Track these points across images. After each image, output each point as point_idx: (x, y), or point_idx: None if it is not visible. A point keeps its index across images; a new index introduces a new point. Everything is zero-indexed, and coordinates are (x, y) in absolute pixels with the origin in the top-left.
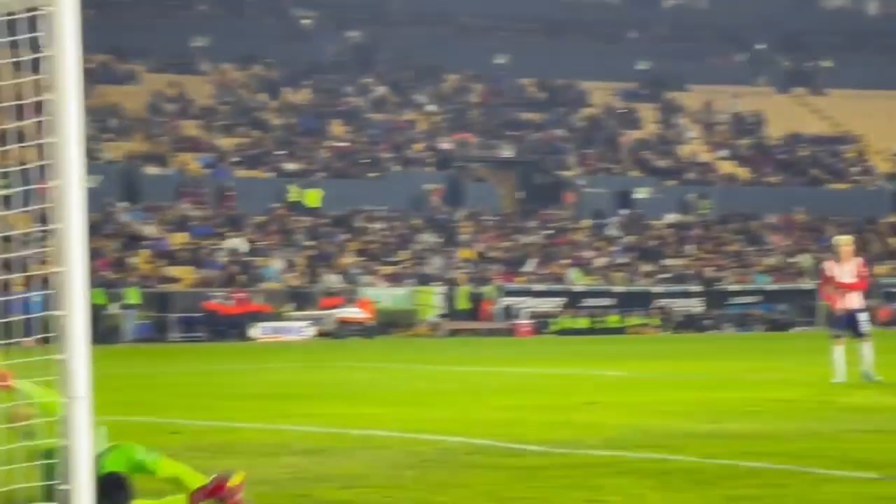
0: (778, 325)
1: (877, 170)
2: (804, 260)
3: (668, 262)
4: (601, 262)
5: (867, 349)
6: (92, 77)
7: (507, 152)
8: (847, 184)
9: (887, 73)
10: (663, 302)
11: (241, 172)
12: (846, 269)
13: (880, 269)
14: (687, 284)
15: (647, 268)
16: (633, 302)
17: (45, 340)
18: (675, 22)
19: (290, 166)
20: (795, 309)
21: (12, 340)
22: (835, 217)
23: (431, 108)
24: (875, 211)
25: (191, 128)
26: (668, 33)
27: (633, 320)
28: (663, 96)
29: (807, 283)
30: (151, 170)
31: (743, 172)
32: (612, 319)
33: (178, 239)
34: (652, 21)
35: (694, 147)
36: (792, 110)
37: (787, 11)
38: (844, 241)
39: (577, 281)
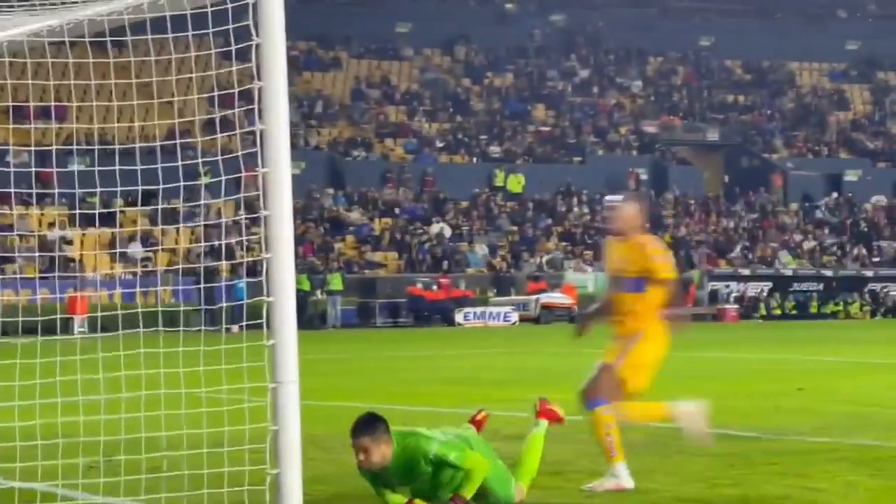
0: None
1: None
2: None
3: (880, 245)
4: (809, 245)
5: None
6: (296, 64)
7: (712, 135)
8: None
9: None
10: (874, 286)
11: (445, 158)
12: None
13: None
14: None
15: (857, 251)
16: (843, 286)
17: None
18: (885, 1)
19: (494, 151)
20: None
21: (219, 327)
22: None
23: (635, 91)
24: None
25: (394, 113)
26: (879, 12)
27: (843, 305)
28: (873, 76)
29: None
30: (356, 156)
31: None
32: (821, 304)
33: (383, 224)
34: (861, 1)
35: None
36: None
37: None
38: None
39: (786, 265)
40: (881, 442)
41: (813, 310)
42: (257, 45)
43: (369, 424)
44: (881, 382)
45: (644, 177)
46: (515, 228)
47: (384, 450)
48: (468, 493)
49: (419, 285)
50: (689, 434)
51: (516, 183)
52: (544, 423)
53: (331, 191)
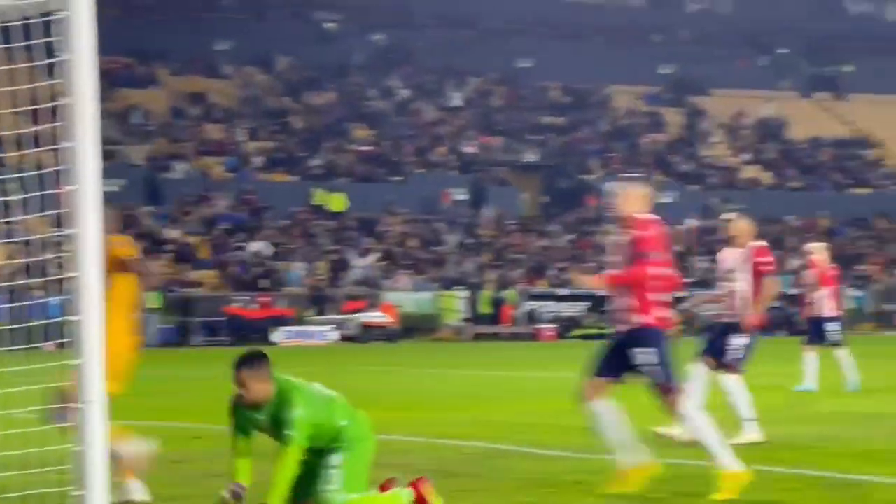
0: (796, 331)
1: None
2: None
3: (692, 266)
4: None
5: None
6: (114, 80)
7: (530, 156)
8: (868, 188)
9: None
10: (686, 306)
11: (265, 176)
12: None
13: None
14: (711, 289)
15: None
16: None
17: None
18: (698, 26)
19: (314, 169)
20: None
21: (32, 345)
22: (857, 221)
23: (455, 111)
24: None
25: (214, 131)
26: (692, 37)
27: None
28: (687, 100)
29: None
30: (174, 173)
31: (766, 177)
32: None
33: (201, 243)
34: (675, 25)
35: (717, 151)
36: (814, 115)
37: (809, 16)
38: (816, 248)
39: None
40: (684, 460)
41: None
42: (65, 61)
43: (251, 359)
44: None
45: (463, 197)
46: (335, 247)
47: (263, 387)
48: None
49: (238, 304)
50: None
51: (337, 201)
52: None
53: (149, 208)
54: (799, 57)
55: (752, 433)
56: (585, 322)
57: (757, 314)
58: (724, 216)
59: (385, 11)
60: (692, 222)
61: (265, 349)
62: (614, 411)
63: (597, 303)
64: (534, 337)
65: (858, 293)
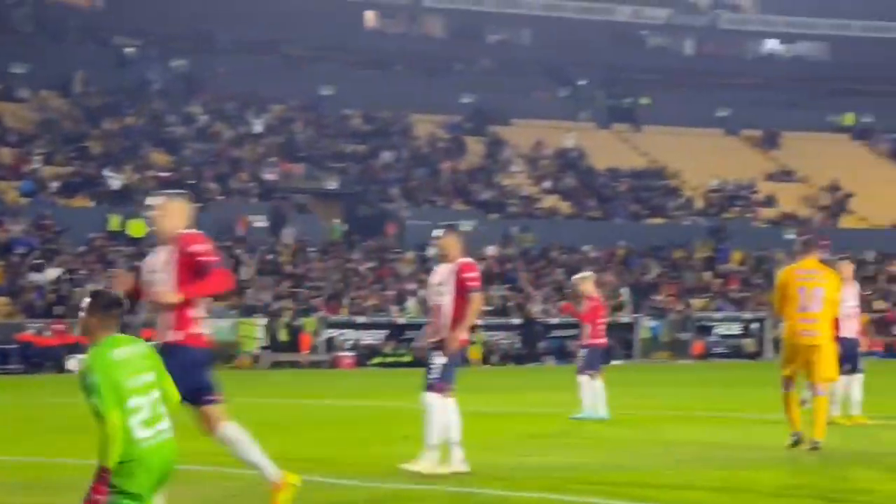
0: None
1: (692, 205)
2: (624, 293)
3: (491, 294)
4: (423, 294)
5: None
6: None
7: (331, 183)
8: (664, 218)
9: (702, 110)
10: (485, 335)
11: (61, 200)
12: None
13: (696, 302)
14: (509, 317)
15: None
16: None
17: None
18: (499, 57)
19: (112, 195)
20: (614, 341)
21: None
22: (654, 251)
23: (256, 138)
24: (690, 245)
25: (8, 155)
26: (493, 68)
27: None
28: (487, 130)
29: (626, 316)
30: None
31: (565, 206)
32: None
33: None
34: (476, 55)
35: (517, 180)
36: (612, 145)
37: (608, 49)
38: (590, 276)
39: (401, 313)
40: (475, 489)
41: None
42: None
43: (96, 303)
44: (481, 429)
45: (263, 224)
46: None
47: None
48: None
49: (31, 331)
50: None
51: (136, 227)
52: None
53: None
54: (598, 88)
55: (457, 461)
56: (384, 350)
57: (459, 333)
58: (435, 234)
59: (185, 37)
60: (492, 250)
61: (59, 378)
62: (241, 431)
63: (396, 331)
64: (333, 365)
65: (654, 323)
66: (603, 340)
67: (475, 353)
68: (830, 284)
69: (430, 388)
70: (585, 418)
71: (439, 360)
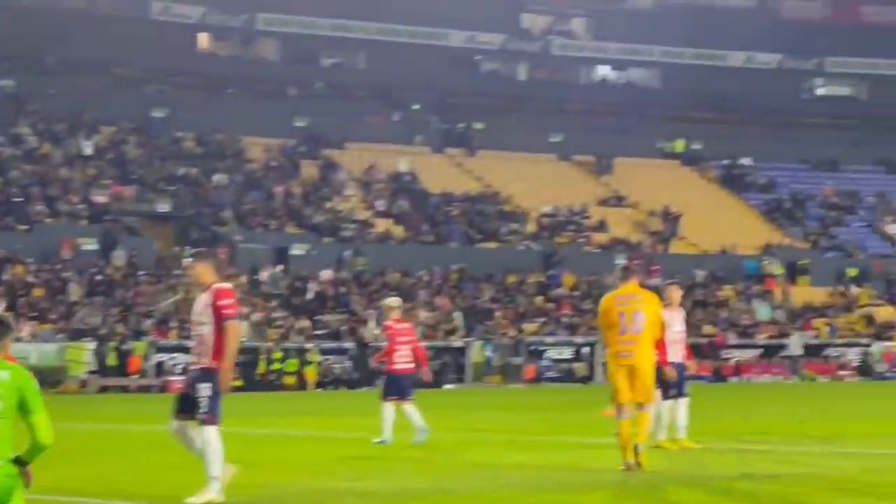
0: (426, 383)
1: (525, 230)
2: (457, 317)
3: (324, 318)
4: (257, 317)
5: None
6: None
7: (163, 206)
8: (497, 243)
9: (535, 135)
10: (320, 358)
11: None
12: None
13: (528, 326)
14: (342, 341)
15: (301, 325)
16: (289, 357)
17: None
18: (333, 80)
19: None
20: (446, 365)
21: None
22: (487, 275)
23: (86, 160)
24: (523, 270)
25: None
26: (327, 91)
27: (291, 379)
28: (321, 153)
29: (458, 341)
30: None
31: (399, 230)
32: (263, 374)
33: None
34: (310, 79)
35: (351, 204)
36: (446, 170)
37: (442, 74)
38: (394, 303)
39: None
40: None
41: (257, 380)
42: None
43: None
44: (306, 455)
45: (93, 246)
46: None
47: None
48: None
49: None
50: None
51: None
52: None
53: None
54: (432, 113)
55: (212, 493)
56: None
57: (226, 366)
58: (185, 261)
59: (14, 56)
60: (327, 274)
61: None
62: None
63: None
64: (163, 389)
65: (487, 347)
66: (402, 366)
67: (312, 375)
68: (650, 308)
69: (204, 422)
70: (382, 443)
71: (205, 391)
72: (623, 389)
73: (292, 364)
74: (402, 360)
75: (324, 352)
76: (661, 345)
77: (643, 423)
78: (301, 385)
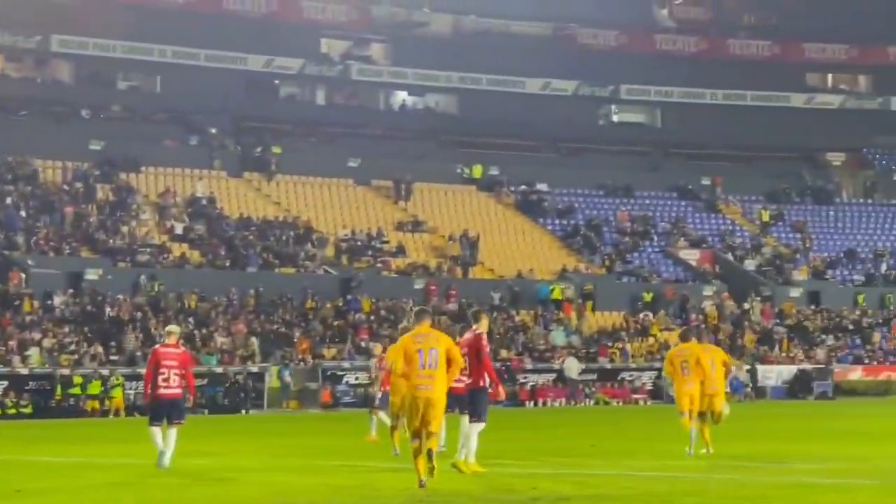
0: (223, 408)
1: (323, 255)
2: (255, 343)
3: (121, 343)
4: (49, 343)
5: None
6: None
7: None
8: (295, 268)
9: (334, 160)
10: (111, 383)
11: None
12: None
13: (326, 351)
14: (138, 367)
15: (95, 350)
16: (85, 384)
17: None
18: (129, 103)
19: None
20: (244, 391)
21: None
22: (285, 300)
23: None
24: (321, 295)
25: None
26: (123, 114)
27: (91, 404)
28: (117, 177)
29: (255, 366)
30: None
31: (195, 255)
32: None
33: None
34: (106, 101)
35: (147, 229)
36: (244, 194)
37: (240, 97)
38: (172, 329)
39: (25, 363)
40: None
41: (50, 409)
42: None
43: None
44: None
45: None
46: None
47: None
48: None
49: None
50: None
51: None
52: None
53: None
54: (229, 137)
55: None
56: (5, 401)
57: None
58: None
59: None
60: (124, 298)
61: None
62: None
63: (18, 381)
64: None
65: (285, 372)
66: (167, 391)
67: (118, 401)
68: (442, 345)
69: None
70: (161, 466)
71: None
72: (414, 418)
73: (96, 387)
74: (167, 385)
75: (128, 378)
76: (489, 369)
77: (432, 445)
78: (104, 412)
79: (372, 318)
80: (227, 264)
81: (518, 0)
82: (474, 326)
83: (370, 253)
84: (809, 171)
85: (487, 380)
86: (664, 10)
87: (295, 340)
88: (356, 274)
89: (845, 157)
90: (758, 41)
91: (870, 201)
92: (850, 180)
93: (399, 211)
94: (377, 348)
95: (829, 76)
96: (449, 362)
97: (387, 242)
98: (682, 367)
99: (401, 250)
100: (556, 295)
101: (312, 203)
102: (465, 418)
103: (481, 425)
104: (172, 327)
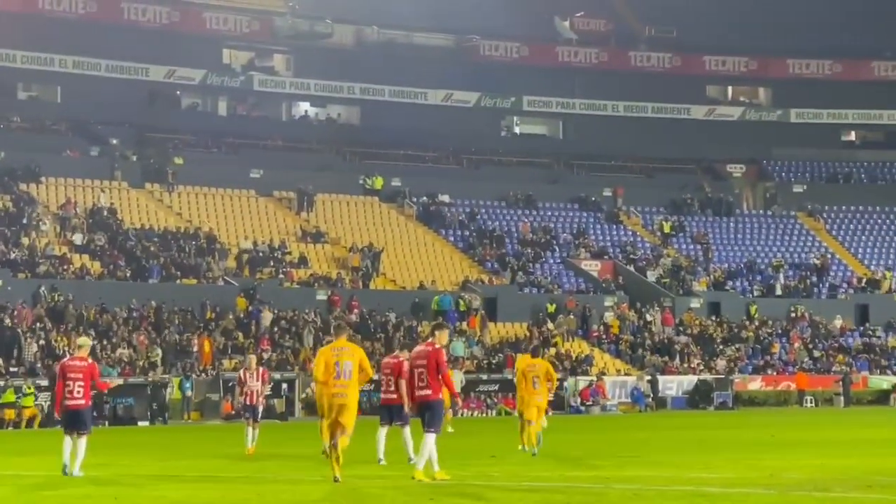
0: (123, 420)
1: (225, 266)
2: (155, 354)
3: (22, 356)
4: None
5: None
6: None
7: None
8: (197, 279)
9: (235, 171)
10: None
11: None
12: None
13: (227, 363)
14: (39, 378)
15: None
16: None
17: None
18: (29, 114)
19: None
20: (144, 403)
21: None
22: (186, 311)
23: None
24: (223, 306)
25: None
26: (23, 125)
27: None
28: (17, 188)
29: (157, 378)
30: None
31: (96, 266)
32: None
33: None
34: (5, 112)
35: (47, 239)
36: (145, 205)
37: (141, 108)
38: (81, 342)
39: None
40: None
41: None
42: None
43: None
44: None
45: None
46: None
47: None
48: None
49: None
50: None
51: None
52: None
53: None
54: (130, 148)
55: None
56: None
57: None
58: None
59: None
60: (25, 310)
61: None
62: None
63: None
64: None
65: (186, 383)
66: (72, 402)
67: (10, 415)
68: (355, 357)
69: None
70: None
71: None
72: (331, 420)
73: (9, 396)
74: (72, 396)
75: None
76: (448, 382)
77: (343, 443)
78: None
79: (274, 328)
80: (128, 275)
81: (420, 12)
82: (431, 339)
83: (272, 264)
84: (710, 183)
85: (445, 392)
86: (565, 23)
87: (195, 352)
88: (258, 285)
89: (745, 168)
90: (658, 53)
91: (770, 213)
92: (750, 192)
93: (301, 222)
94: (252, 360)
95: (730, 88)
96: (360, 371)
97: (288, 253)
98: (533, 380)
99: (303, 261)
100: (462, 306)
101: (214, 214)
102: (407, 429)
103: (435, 435)
104: (83, 340)
